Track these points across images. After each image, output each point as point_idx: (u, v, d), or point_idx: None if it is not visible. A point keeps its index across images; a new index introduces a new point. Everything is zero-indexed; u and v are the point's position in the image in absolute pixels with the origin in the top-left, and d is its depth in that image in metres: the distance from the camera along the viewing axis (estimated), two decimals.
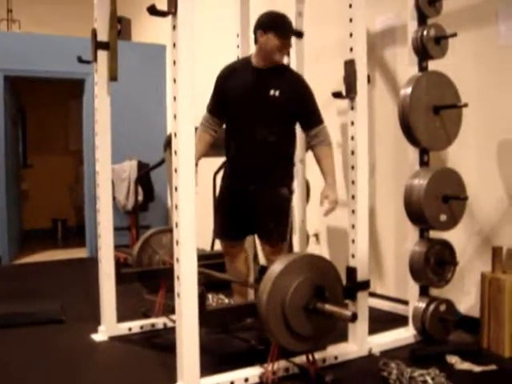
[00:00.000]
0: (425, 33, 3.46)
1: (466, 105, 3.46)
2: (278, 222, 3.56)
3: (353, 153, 3.38)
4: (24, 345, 3.78)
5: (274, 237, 3.57)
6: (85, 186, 7.64)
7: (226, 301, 4.53)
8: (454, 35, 3.47)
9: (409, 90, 3.41)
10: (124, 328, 3.94)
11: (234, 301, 4.06)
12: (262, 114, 3.52)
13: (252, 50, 4.43)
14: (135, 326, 3.99)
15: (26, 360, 3.49)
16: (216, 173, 5.37)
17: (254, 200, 3.57)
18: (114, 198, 6.95)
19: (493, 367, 3.13)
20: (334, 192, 3.44)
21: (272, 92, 3.47)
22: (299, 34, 4.28)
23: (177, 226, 2.77)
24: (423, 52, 3.50)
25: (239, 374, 3.02)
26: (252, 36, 4.39)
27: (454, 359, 3.22)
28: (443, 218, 3.45)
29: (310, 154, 4.48)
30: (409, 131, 3.45)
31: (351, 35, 3.33)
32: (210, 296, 4.52)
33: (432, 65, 3.57)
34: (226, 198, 3.77)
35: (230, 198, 3.72)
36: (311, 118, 3.55)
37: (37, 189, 9.56)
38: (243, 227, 3.71)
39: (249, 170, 3.61)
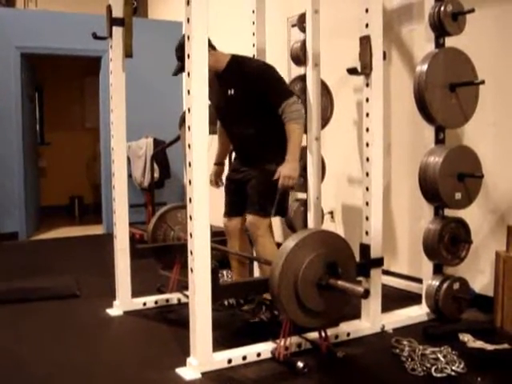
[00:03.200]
0: (442, 8, 3.41)
1: (482, 82, 3.42)
2: (261, 194, 3.61)
3: (368, 130, 3.36)
4: (40, 319, 3.83)
5: (255, 206, 3.63)
6: (101, 164, 7.69)
7: None
8: (472, 11, 3.42)
9: (425, 67, 3.38)
10: (139, 303, 3.99)
11: (233, 279, 4.11)
12: (231, 113, 3.75)
13: (267, 26, 4.43)
14: (150, 301, 4.03)
15: (41, 333, 3.55)
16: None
17: (247, 177, 3.73)
18: (130, 175, 6.99)
19: (505, 346, 3.11)
20: (287, 168, 3.50)
21: (229, 92, 3.62)
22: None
23: (190, 201, 2.78)
24: (440, 28, 3.46)
25: (251, 349, 3.04)
26: (267, 13, 4.40)
27: (466, 337, 3.21)
28: (458, 196, 3.44)
29: (324, 131, 4.48)
30: (424, 108, 3.42)
31: (367, 11, 3.29)
32: (224, 272, 4.54)
33: (449, 41, 3.53)
34: (229, 177, 3.98)
35: (231, 177, 3.93)
36: (273, 98, 3.55)
37: (54, 166, 9.64)
38: (238, 203, 3.81)
39: (242, 156, 3.88)
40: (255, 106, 3.60)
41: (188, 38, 2.74)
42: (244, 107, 3.64)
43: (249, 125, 3.67)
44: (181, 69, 3.43)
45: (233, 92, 3.61)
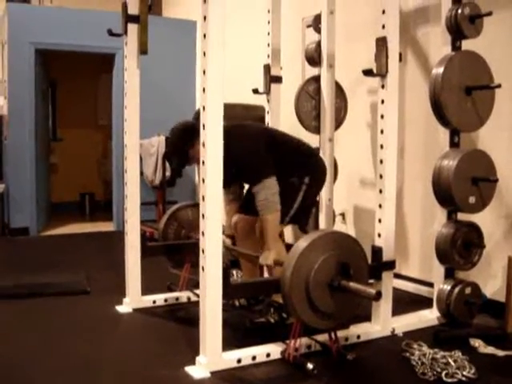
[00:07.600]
0: (459, 11, 3.39)
1: (499, 86, 3.39)
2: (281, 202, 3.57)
3: (382, 132, 3.34)
4: (50, 314, 3.84)
5: None
6: (113, 161, 7.70)
7: None
8: (489, 14, 3.40)
9: (441, 70, 3.36)
10: (148, 300, 3.99)
11: (243, 277, 4.10)
12: (241, 181, 3.95)
13: (283, 26, 4.43)
14: (159, 298, 4.03)
15: (51, 329, 3.55)
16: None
17: None
18: (141, 173, 6.98)
19: None
20: (265, 258, 3.42)
21: (233, 170, 3.47)
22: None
23: (203, 199, 2.78)
24: (457, 31, 3.44)
25: (261, 350, 3.04)
26: (282, 13, 4.40)
27: (477, 343, 3.19)
28: (472, 200, 3.41)
29: (338, 132, 4.47)
30: (439, 111, 3.41)
31: (384, 12, 3.27)
32: (234, 272, 4.53)
33: (466, 44, 3.51)
34: None
35: None
36: (249, 177, 3.59)
37: (66, 162, 9.63)
38: (253, 205, 3.72)
39: None
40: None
41: (204, 36, 2.73)
42: (250, 177, 3.61)
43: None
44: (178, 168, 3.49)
45: (234, 170, 3.51)
